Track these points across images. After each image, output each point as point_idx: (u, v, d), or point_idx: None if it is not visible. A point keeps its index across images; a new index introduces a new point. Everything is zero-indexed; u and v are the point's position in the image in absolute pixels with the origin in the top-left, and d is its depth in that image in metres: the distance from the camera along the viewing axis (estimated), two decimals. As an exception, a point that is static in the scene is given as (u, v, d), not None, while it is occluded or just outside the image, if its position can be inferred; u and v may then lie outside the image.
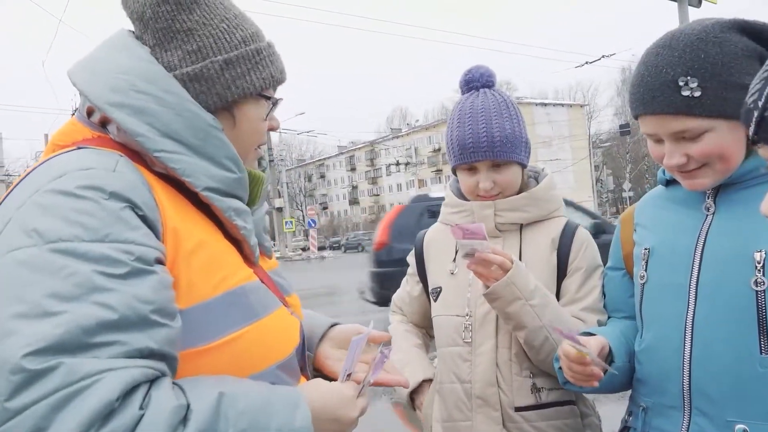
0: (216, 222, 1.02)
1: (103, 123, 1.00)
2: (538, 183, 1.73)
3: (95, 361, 0.74)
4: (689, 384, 1.25)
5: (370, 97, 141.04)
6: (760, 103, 0.60)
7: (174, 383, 0.84)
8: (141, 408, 0.76)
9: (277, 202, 41.01)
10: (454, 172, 1.75)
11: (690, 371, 1.25)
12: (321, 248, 46.56)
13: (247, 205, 1.09)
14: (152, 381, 0.80)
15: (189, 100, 0.98)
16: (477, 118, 1.62)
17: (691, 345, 1.25)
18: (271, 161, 42.74)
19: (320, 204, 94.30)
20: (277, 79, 1.09)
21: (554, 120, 65.34)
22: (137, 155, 0.96)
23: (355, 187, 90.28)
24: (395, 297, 1.95)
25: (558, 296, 1.62)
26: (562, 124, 65.80)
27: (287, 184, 58.57)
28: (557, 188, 1.76)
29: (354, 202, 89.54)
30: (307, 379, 1.13)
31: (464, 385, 1.61)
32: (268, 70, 1.06)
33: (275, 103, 1.11)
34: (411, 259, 1.87)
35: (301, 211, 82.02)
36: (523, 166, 1.70)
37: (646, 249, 1.37)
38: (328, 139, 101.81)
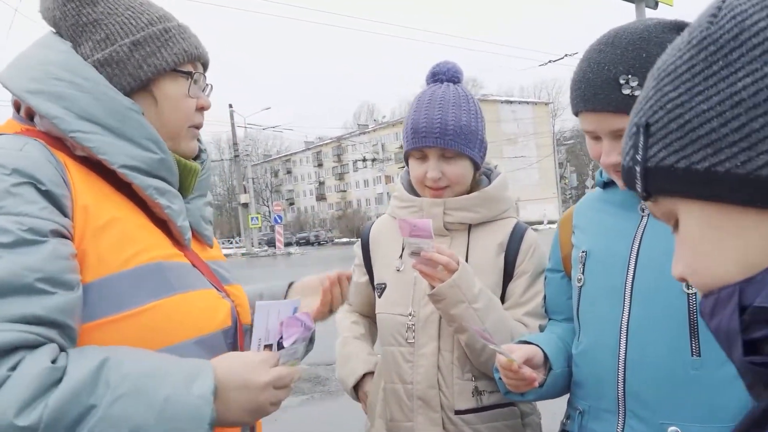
0: (141, 204, 1.05)
1: (31, 116, 1.04)
2: (490, 181, 1.71)
3: None
4: (623, 387, 1.25)
5: (338, 93, 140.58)
6: (638, 157, 0.57)
7: (65, 351, 0.86)
8: (11, 369, 0.78)
9: (243, 198, 40.56)
10: (406, 160, 1.72)
11: (624, 374, 1.24)
12: (287, 244, 46.24)
13: (180, 194, 1.12)
14: (37, 347, 0.82)
15: (106, 86, 1.02)
16: (434, 106, 1.61)
17: (626, 348, 1.24)
18: (236, 156, 42.19)
19: (287, 200, 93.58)
20: (192, 54, 1.12)
21: (519, 117, 66.08)
22: (59, 142, 1.00)
23: (321, 183, 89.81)
24: None
25: (503, 299, 1.61)
26: (527, 121, 66.57)
27: (253, 179, 57.96)
28: (509, 189, 1.74)
29: (321, 197, 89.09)
30: None
31: (406, 386, 1.59)
32: (179, 46, 1.10)
33: (194, 78, 1.12)
34: (357, 249, 1.85)
35: (268, 206, 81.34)
36: (476, 165, 1.67)
37: (583, 252, 1.37)
38: (295, 134, 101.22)
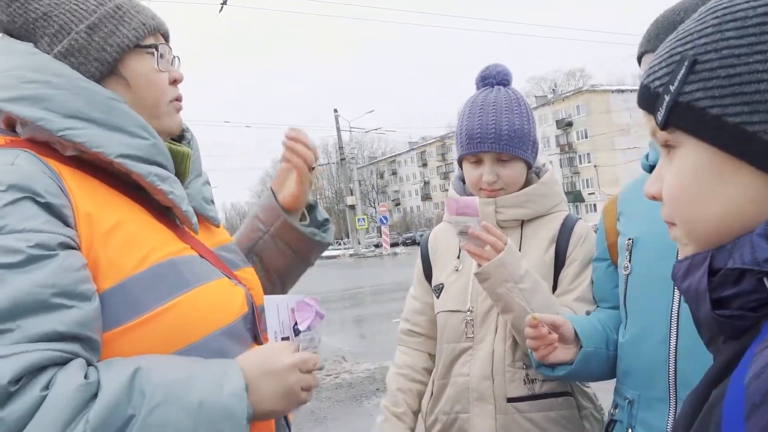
0: (141, 201, 1.03)
1: (12, 126, 1.02)
2: (539, 178, 1.73)
3: None
4: (675, 376, 1.23)
5: (441, 91, 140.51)
6: (672, 87, 0.56)
7: (93, 365, 0.85)
8: (44, 389, 0.77)
9: (350, 200, 41.59)
10: (459, 163, 1.76)
11: (676, 363, 1.22)
12: (394, 244, 46.83)
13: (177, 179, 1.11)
14: (63, 363, 0.81)
15: (81, 79, 0.99)
16: (487, 111, 1.64)
17: (677, 337, 1.22)
18: (342, 160, 43.36)
19: (393, 200, 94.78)
20: (150, 26, 1.08)
21: (632, 107, 62.64)
22: (47, 147, 0.97)
23: (426, 183, 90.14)
24: (405, 312, 1.87)
25: (554, 288, 1.62)
26: (642, 110, 62.96)
27: (359, 182, 59.18)
28: (558, 184, 1.75)
29: (426, 197, 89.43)
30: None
31: (464, 378, 1.63)
32: (136, 20, 1.06)
33: (160, 50, 1.09)
34: (418, 261, 1.86)
35: (374, 208, 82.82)
36: (529, 166, 1.70)
37: (629, 239, 1.34)
38: (399, 135, 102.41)
